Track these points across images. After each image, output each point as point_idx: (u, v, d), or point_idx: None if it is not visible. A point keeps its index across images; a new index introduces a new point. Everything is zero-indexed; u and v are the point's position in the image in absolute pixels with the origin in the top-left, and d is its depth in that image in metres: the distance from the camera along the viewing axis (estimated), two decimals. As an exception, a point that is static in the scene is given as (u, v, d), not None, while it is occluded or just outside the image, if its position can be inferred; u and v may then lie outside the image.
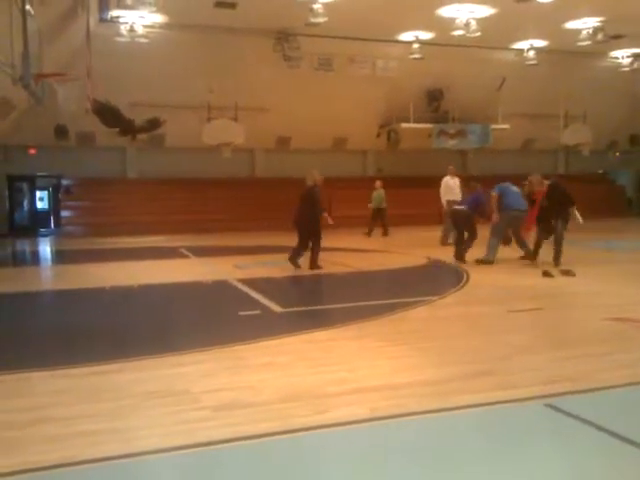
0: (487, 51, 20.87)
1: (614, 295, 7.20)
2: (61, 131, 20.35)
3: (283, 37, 19.24)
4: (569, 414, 3.34)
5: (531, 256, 10.07)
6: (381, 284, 9.22)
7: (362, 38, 19.37)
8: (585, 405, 3.53)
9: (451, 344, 5.02)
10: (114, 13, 17.05)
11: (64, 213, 21.92)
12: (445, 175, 14.28)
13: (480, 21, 17.44)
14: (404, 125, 22.96)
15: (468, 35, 17.66)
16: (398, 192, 23.35)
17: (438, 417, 3.39)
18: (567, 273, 8.56)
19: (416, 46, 19.85)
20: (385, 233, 17.58)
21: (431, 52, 19.88)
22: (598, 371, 4.12)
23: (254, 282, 8.74)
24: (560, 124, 23.24)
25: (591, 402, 3.61)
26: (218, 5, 16.61)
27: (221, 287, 8.79)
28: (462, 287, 7.98)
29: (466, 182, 12.77)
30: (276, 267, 10.71)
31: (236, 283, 8.72)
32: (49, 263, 14.65)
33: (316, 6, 15.85)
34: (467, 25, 17.47)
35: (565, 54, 21.43)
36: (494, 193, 10.27)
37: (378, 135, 24.09)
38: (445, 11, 17.30)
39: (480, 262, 10.13)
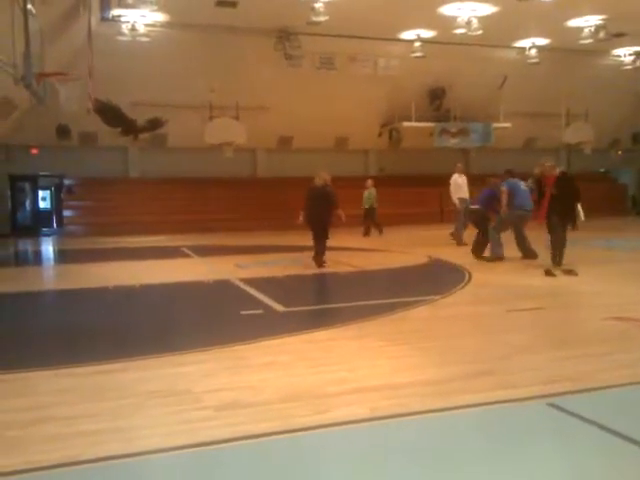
0: (489, 49, 20.85)
1: (615, 294, 7.19)
2: (63, 131, 20.39)
3: (284, 36, 19.23)
4: (570, 413, 3.34)
5: (532, 255, 10.07)
6: (382, 283, 9.22)
7: (363, 37, 19.36)
8: (586, 404, 3.53)
9: (452, 344, 5.03)
10: (115, 12, 17.07)
11: (66, 213, 21.96)
12: (453, 173, 14.10)
13: (482, 19, 17.43)
14: (406, 124, 22.96)
15: (470, 33, 17.65)
16: (400, 191, 23.37)
17: (439, 417, 3.40)
18: (569, 272, 8.55)
19: (418, 45, 19.83)
20: (380, 231, 17.36)
21: (433, 51, 19.86)
22: (599, 371, 4.12)
23: (256, 281, 8.75)
24: (562, 122, 23.20)
25: (592, 401, 3.61)
26: (219, 4, 16.61)
27: (223, 287, 8.81)
28: (463, 286, 7.98)
29: (482, 179, 12.68)
30: (278, 266, 10.72)
31: (238, 282, 8.73)
32: (51, 263, 14.68)
33: (317, 5, 15.86)
34: (469, 23, 17.46)
35: (567, 52, 21.40)
36: (504, 188, 10.27)
37: (380, 134, 24.08)
38: (447, 9, 17.29)
39: (490, 260, 10.25)
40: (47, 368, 4.47)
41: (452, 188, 13.90)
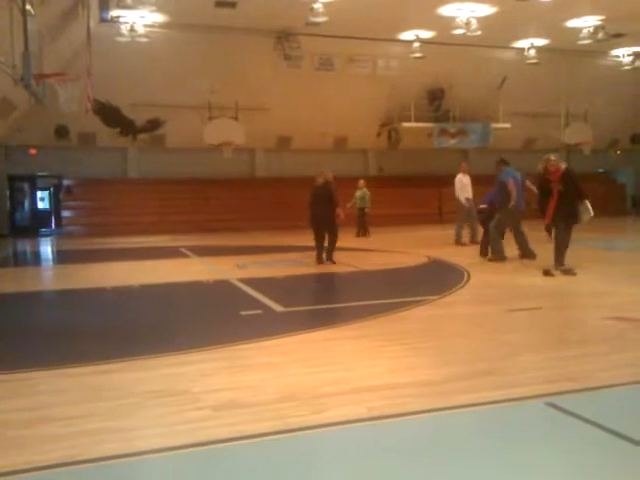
0: (488, 50, 20.89)
1: (614, 294, 7.20)
2: (62, 131, 20.40)
3: (283, 37, 19.26)
4: (569, 413, 3.35)
5: (531, 255, 10.03)
6: (381, 283, 9.23)
7: (363, 37, 19.40)
8: (585, 404, 3.53)
9: (450, 343, 5.03)
10: (114, 13, 17.09)
11: (65, 213, 21.97)
12: (457, 173, 13.92)
13: (481, 20, 17.47)
14: (405, 124, 22.99)
15: (469, 34, 17.69)
16: (399, 191, 23.40)
17: (437, 417, 3.40)
18: (568, 272, 8.55)
19: (417, 45, 19.87)
20: (365, 234, 17.18)
21: (432, 51, 19.89)
22: (598, 370, 4.13)
23: (255, 282, 8.76)
24: (561, 123, 23.24)
25: (591, 401, 3.61)
26: (218, 5, 16.64)
27: (222, 287, 8.81)
28: (462, 286, 7.99)
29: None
30: (277, 267, 10.73)
31: (237, 283, 8.73)
32: (50, 263, 14.67)
33: (316, 5, 15.88)
34: (468, 24, 17.50)
35: (566, 53, 21.44)
36: (511, 181, 10.05)
37: (379, 134, 24.09)
38: (446, 10, 17.32)
39: (492, 260, 10.19)
40: (46, 368, 4.47)
41: (457, 188, 13.71)
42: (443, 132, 23.35)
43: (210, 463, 2.92)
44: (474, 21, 17.43)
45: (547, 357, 4.50)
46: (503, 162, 10.61)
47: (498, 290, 7.82)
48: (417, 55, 19.82)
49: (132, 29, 17.57)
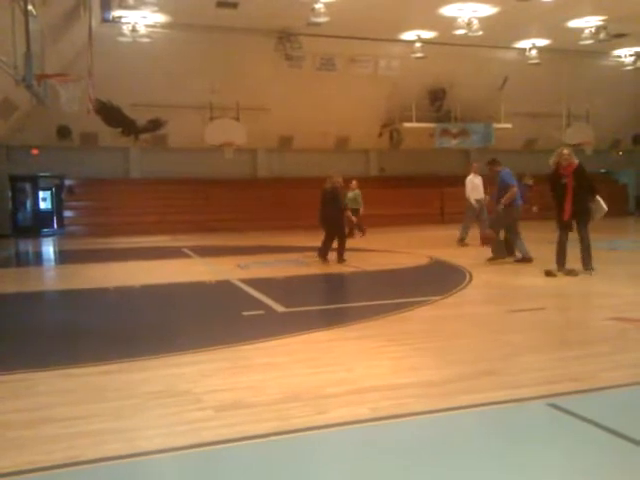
0: (489, 50, 20.88)
1: (617, 295, 7.18)
2: (64, 131, 20.44)
3: (285, 37, 19.26)
4: (571, 414, 3.34)
5: (528, 259, 9.93)
6: (383, 284, 9.21)
7: (364, 37, 19.40)
8: (588, 405, 3.52)
9: (453, 344, 5.02)
10: (116, 13, 17.12)
11: (67, 213, 22.00)
12: (469, 174, 13.71)
13: (482, 20, 17.46)
14: (406, 124, 22.99)
15: (470, 34, 17.69)
16: (400, 192, 23.41)
17: (439, 417, 3.39)
18: (570, 273, 8.53)
19: (418, 45, 19.87)
20: (351, 234, 16.95)
21: (433, 51, 19.89)
22: (600, 371, 4.12)
23: (257, 282, 8.76)
24: (562, 123, 23.24)
25: (593, 402, 3.60)
26: (220, 5, 16.65)
27: (224, 287, 8.80)
28: (464, 287, 7.97)
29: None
30: (278, 267, 10.73)
31: (239, 283, 8.73)
32: (52, 263, 14.69)
33: (318, 6, 15.88)
34: (469, 24, 17.50)
35: (567, 53, 21.43)
36: (513, 184, 9.95)
37: (380, 135, 24.10)
38: (447, 10, 17.32)
39: (491, 260, 10.05)
40: (48, 369, 4.47)
41: (468, 189, 13.48)
42: (445, 132, 23.35)
43: (212, 464, 2.91)
44: (475, 21, 17.43)
45: (549, 358, 4.49)
46: (497, 163, 10.45)
47: (500, 290, 7.81)
48: (418, 55, 19.82)
49: (133, 29, 17.59)
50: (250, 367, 4.42)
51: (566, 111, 23.02)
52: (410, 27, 19.12)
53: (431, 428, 3.28)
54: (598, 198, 8.55)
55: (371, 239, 16.80)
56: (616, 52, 22.66)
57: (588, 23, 18.68)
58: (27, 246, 18.72)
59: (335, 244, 10.96)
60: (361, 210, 16.91)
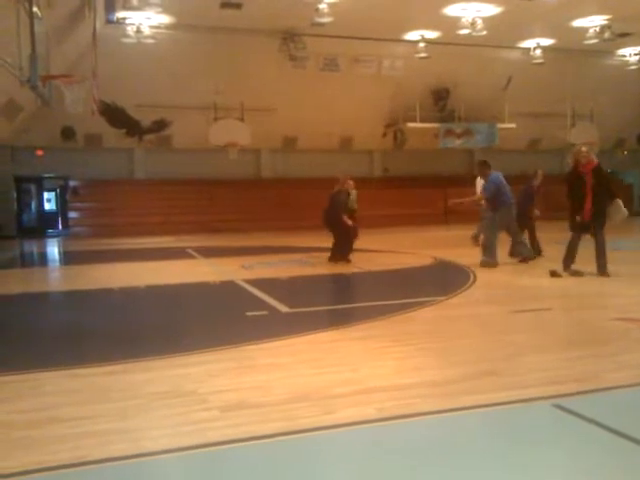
0: (493, 50, 20.85)
1: (622, 295, 7.17)
2: (68, 132, 20.50)
3: (289, 37, 19.28)
4: (576, 414, 3.34)
5: (530, 257, 9.88)
6: (387, 284, 9.21)
7: (368, 38, 19.39)
8: (592, 405, 3.52)
9: (457, 344, 5.02)
10: (120, 14, 17.14)
11: (71, 214, 22.06)
12: (474, 174, 13.64)
13: (486, 20, 17.44)
14: (410, 125, 22.97)
15: (474, 34, 17.67)
16: (404, 192, 23.39)
17: (445, 417, 3.39)
18: (575, 273, 8.51)
19: (422, 45, 19.85)
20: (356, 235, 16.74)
21: (437, 51, 19.87)
22: (605, 371, 4.11)
23: (261, 282, 8.77)
24: (567, 123, 23.19)
25: (598, 403, 3.60)
26: (224, 6, 16.66)
27: (228, 288, 8.82)
28: (468, 287, 7.97)
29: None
30: (283, 267, 10.74)
31: (243, 284, 8.74)
32: (57, 264, 14.73)
33: (322, 6, 15.89)
34: (473, 24, 17.48)
35: (572, 52, 21.38)
36: (493, 187, 9.74)
37: (384, 135, 24.09)
38: (451, 10, 17.30)
39: (483, 265, 9.69)
40: (53, 369, 4.49)
41: (478, 190, 13.43)
42: (449, 132, 23.33)
43: (217, 464, 2.92)
44: (479, 21, 17.41)
45: (554, 358, 4.49)
46: (487, 166, 10.15)
47: (504, 291, 7.80)
48: (422, 55, 19.80)
49: (138, 30, 17.63)
50: (255, 367, 4.43)
51: (570, 111, 22.96)
52: (414, 27, 19.10)
53: (437, 428, 3.28)
54: (618, 201, 8.33)
55: (375, 239, 16.78)
56: (621, 51, 22.59)
57: (592, 22, 18.63)
58: (32, 247, 18.77)
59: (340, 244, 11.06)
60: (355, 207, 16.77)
